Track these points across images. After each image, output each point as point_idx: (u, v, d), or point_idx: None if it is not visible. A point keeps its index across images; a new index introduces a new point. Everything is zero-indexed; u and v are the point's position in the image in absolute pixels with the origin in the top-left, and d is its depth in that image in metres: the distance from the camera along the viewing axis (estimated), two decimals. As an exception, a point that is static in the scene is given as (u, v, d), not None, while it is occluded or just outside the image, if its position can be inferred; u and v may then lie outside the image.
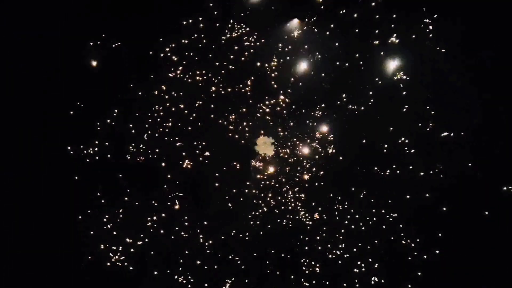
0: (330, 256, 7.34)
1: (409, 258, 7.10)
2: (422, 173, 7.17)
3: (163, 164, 7.40)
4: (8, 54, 6.98)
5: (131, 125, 7.32)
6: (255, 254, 7.41)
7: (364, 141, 7.41)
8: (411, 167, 7.20)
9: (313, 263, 7.35)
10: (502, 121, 6.85)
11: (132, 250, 7.17)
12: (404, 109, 7.20)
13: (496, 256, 6.57)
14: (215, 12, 7.38)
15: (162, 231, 7.29)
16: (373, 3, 7.11)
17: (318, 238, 7.41)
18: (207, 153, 7.48)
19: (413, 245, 7.08)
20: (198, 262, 7.28)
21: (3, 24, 6.92)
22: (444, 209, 7.02)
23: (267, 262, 7.39)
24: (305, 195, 7.52)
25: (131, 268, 7.14)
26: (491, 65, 6.84)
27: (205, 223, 7.37)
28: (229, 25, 7.43)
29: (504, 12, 6.60)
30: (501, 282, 6.55)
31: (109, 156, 7.26)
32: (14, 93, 7.00)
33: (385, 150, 7.33)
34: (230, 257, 7.35)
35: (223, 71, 7.49)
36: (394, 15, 7.08)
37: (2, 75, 6.99)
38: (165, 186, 7.37)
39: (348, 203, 7.42)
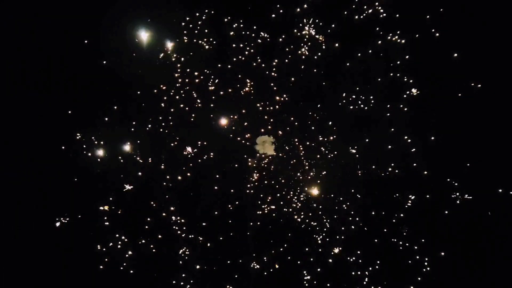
0: (331, 257, 7.32)
1: (410, 261, 7.08)
2: (425, 173, 7.12)
3: (162, 165, 7.33)
4: (7, 54, 6.89)
5: (129, 126, 7.23)
6: (254, 255, 7.34)
7: (367, 140, 7.37)
8: (414, 164, 7.16)
9: (313, 264, 7.31)
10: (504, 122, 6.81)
11: (130, 252, 7.11)
12: (406, 108, 7.15)
13: (500, 259, 6.57)
14: (215, 11, 7.29)
15: (160, 233, 7.24)
16: (377, 3, 7.05)
17: (318, 239, 7.38)
18: (207, 153, 7.42)
19: (415, 247, 7.06)
20: (197, 263, 7.24)
21: (3, 23, 6.84)
22: (446, 212, 7.00)
23: (267, 263, 7.34)
24: (305, 196, 7.49)
25: (131, 271, 7.08)
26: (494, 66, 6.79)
27: (204, 224, 7.31)
28: (229, 24, 7.33)
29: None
30: (505, 285, 6.55)
31: (107, 156, 7.17)
32: (11, 93, 6.92)
33: (386, 151, 7.28)
34: (229, 259, 7.31)
35: (222, 71, 7.41)
36: (398, 15, 7.03)
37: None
38: (164, 185, 7.29)
39: (349, 204, 7.39)
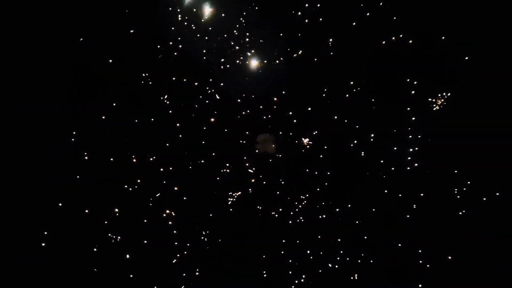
0: (332, 258, 7.28)
1: (411, 263, 7.05)
2: (428, 173, 7.08)
3: (162, 165, 7.22)
4: (7, 54, 6.73)
5: (129, 127, 7.11)
6: (253, 256, 7.29)
7: (371, 140, 7.29)
8: (417, 164, 7.12)
9: (314, 265, 7.28)
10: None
11: (128, 255, 7.03)
12: (408, 108, 7.09)
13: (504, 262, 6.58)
14: (215, 10, 7.18)
15: (159, 234, 7.15)
16: (381, 3, 6.96)
17: (319, 239, 7.32)
18: (206, 154, 7.32)
19: (420, 251, 7.04)
20: (196, 261, 7.17)
21: (3, 23, 6.69)
22: (449, 213, 6.97)
23: (267, 265, 7.29)
24: (306, 196, 7.42)
25: (130, 275, 6.98)
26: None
27: (202, 226, 7.25)
28: (228, 24, 7.22)
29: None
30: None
31: (106, 157, 7.05)
32: (11, 93, 6.78)
33: (389, 151, 7.24)
34: (229, 261, 7.25)
35: (222, 71, 7.31)
36: (400, 14, 6.95)
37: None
38: (163, 184, 7.20)
39: (351, 205, 7.33)
